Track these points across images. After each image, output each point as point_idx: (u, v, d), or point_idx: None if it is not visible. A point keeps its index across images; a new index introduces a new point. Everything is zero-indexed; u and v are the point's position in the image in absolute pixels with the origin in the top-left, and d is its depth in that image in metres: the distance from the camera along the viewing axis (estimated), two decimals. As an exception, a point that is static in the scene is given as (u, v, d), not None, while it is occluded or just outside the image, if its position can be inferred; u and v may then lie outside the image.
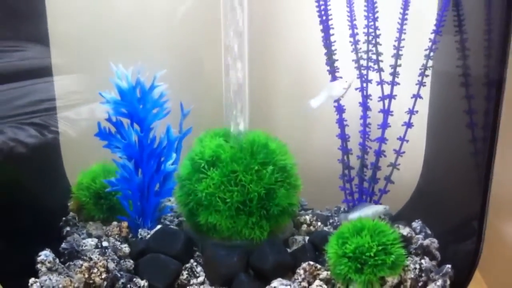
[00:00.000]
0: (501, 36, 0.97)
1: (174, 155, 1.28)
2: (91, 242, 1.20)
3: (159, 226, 1.25)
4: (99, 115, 1.30)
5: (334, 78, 1.26)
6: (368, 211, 1.21)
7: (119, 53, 1.37)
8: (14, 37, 1.20)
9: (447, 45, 1.19)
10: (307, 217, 1.31)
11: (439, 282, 1.07)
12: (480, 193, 1.04)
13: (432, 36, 1.19)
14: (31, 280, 1.06)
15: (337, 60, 1.26)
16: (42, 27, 1.33)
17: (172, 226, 1.30)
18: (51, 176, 1.36)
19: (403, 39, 1.22)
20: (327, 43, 1.25)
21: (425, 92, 1.29)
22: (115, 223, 1.26)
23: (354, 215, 1.20)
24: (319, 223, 1.31)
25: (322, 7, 1.23)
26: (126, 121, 1.23)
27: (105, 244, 1.19)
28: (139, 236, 1.24)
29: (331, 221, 1.33)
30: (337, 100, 1.27)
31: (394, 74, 1.24)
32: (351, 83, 1.21)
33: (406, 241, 1.15)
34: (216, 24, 1.21)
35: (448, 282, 1.08)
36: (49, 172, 1.35)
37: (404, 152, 1.28)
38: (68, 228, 1.26)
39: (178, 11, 1.43)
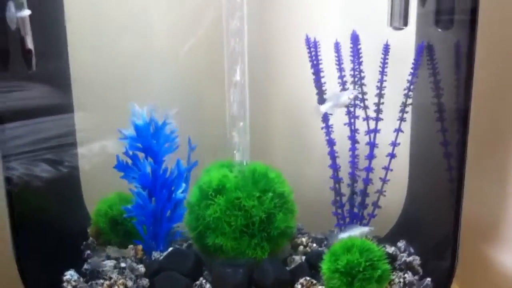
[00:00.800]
0: (466, 77, 1.11)
1: (183, 185, 1.38)
2: (110, 263, 1.29)
3: (171, 249, 1.35)
4: (112, 150, 1.39)
5: (325, 114, 1.38)
6: (356, 232, 1.31)
7: (131, 93, 1.48)
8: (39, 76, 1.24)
9: (423, 84, 1.32)
10: (304, 239, 1.40)
11: (421, 294, 1.19)
12: (453, 217, 1.16)
13: (409, 77, 1.33)
14: (59, 297, 1.18)
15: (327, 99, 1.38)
16: (64, 66, 1.41)
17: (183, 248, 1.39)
18: (72, 205, 1.45)
19: (385, 80, 1.34)
20: (318, 84, 1.37)
21: (407, 126, 1.41)
22: (131, 246, 1.36)
23: (343, 235, 1.30)
24: (314, 245, 1.40)
25: (313, 52, 1.36)
26: (141, 155, 1.34)
27: (122, 265, 1.29)
28: (153, 258, 1.33)
29: (325, 243, 1.43)
30: (328, 127, 1.39)
31: (378, 111, 1.36)
32: (356, 94, 1.33)
33: (392, 258, 1.25)
34: (220, 63, 1.31)
35: (429, 294, 1.20)
36: (70, 202, 1.44)
37: (389, 180, 1.39)
38: (88, 251, 1.35)
39: (183, 51, 1.50)
